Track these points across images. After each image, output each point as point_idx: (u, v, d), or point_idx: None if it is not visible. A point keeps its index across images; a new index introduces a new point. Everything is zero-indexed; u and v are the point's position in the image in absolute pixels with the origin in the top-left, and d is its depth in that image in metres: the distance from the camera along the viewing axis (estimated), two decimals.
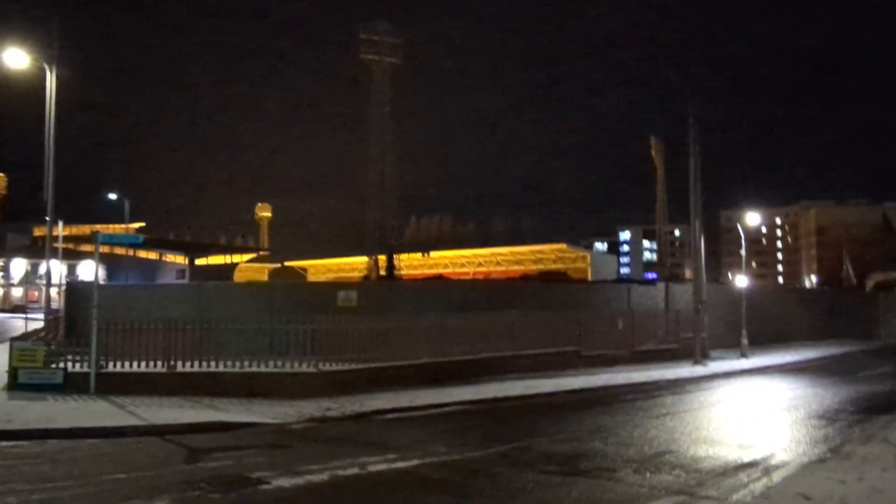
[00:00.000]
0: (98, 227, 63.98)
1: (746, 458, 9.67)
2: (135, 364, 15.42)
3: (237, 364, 15.50)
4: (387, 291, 29.04)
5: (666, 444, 10.70)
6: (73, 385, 14.76)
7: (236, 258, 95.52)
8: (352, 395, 15.09)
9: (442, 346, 18.29)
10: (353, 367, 16.28)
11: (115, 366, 15.27)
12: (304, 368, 15.61)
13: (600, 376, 19.79)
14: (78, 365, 15.08)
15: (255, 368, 15.52)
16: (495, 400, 15.66)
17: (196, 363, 15.48)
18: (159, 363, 15.47)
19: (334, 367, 15.97)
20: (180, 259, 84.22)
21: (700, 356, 23.95)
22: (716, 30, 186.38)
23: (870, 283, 68.76)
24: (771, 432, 12.12)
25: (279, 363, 15.66)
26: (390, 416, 13.58)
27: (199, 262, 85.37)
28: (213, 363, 15.48)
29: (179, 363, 15.48)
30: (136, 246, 47.31)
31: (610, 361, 22.44)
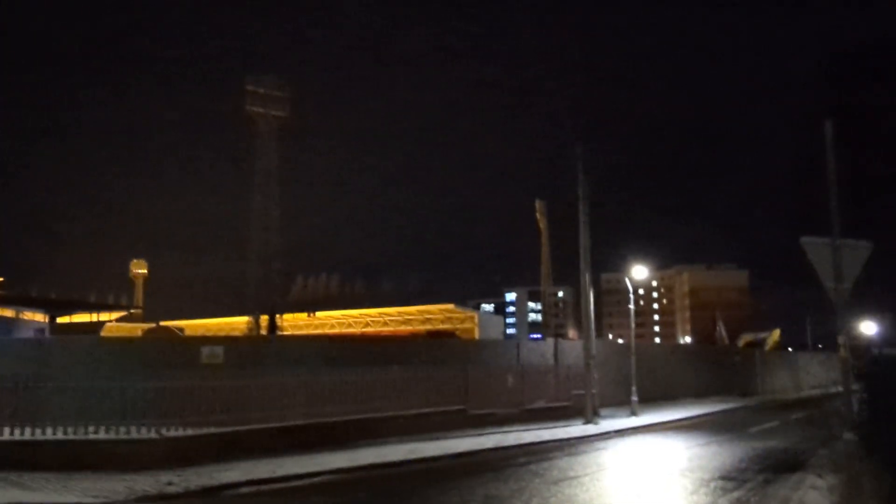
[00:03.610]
0: None
1: None
2: None
3: (59, 431, 12.86)
4: (260, 347, 26.54)
5: None
6: None
7: (104, 316, 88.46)
8: (201, 465, 12.74)
9: (314, 407, 16.20)
10: (206, 431, 13.90)
11: None
12: (143, 434, 13.14)
13: (489, 437, 18.26)
14: None
15: (81, 436, 12.92)
16: (374, 466, 13.82)
17: (7, 430, 12.73)
18: None
19: (181, 433, 13.56)
20: (39, 317, 77.02)
21: (591, 414, 22.87)
22: (603, 93, 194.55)
23: (740, 343, 71.46)
24: (680, 497, 10.84)
25: (114, 429, 13.13)
26: (246, 489, 11.42)
27: (62, 320, 78.39)
28: (28, 430, 12.78)
29: None
30: None
31: (499, 421, 20.97)
